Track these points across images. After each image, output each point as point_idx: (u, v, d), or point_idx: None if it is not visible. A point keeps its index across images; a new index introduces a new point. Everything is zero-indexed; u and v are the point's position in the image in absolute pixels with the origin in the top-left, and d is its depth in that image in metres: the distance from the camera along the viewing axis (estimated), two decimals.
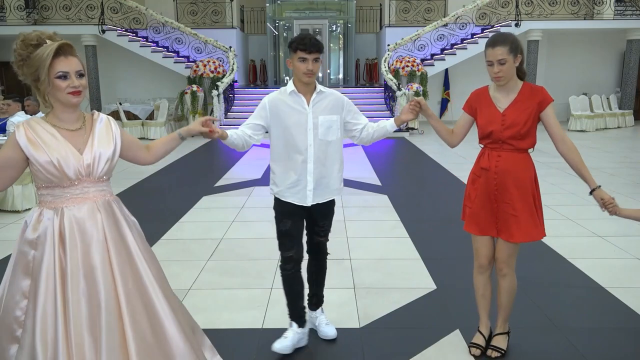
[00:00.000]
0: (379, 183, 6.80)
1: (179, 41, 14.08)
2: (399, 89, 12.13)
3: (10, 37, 13.27)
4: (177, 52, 14.06)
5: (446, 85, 15.27)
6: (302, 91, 2.52)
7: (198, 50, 13.97)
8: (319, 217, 2.64)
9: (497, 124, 2.39)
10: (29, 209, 5.57)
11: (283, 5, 18.39)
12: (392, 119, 2.64)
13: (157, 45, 13.83)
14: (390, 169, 8.52)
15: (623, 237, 4.40)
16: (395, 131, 3.23)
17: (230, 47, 13.59)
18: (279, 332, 2.87)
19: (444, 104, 15.48)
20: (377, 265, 3.87)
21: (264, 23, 17.53)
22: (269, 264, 3.89)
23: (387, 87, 13.09)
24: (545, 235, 2.49)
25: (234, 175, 7.61)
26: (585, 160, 2.43)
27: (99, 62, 13.60)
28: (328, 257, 2.82)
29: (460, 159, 8.89)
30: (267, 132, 2.61)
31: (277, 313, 3.11)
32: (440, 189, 6.62)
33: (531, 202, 2.42)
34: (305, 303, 2.76)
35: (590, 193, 2.30)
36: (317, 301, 2.83)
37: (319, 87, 2.55)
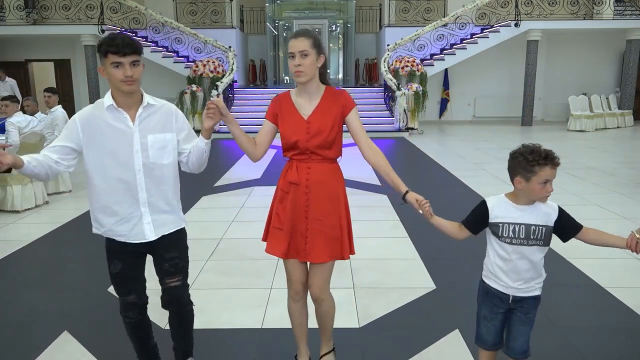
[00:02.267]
0: (378, 183, 6.81)
1: (178, 41, 14.08)
2: (399, 89, 12.12)
3: (10, 37, 13.24)
4: (177, 52, 14.06)
5: (446, 85, 15.29)
6: (124, 104, 2.06)
7: (198, 50, 13.97)
8: (164, 249, 2.19)
9: (302, 132, 2.17)
10: (29, 209, 5.57)
11: (283, 5, 18.39)
12: (201, 135, 2.19)
13: (157, 45, 13.83)
14: None
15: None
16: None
17: (230, 47, 13.59)
18: (278, 332, 2.88)
19: (444, 103, 15.50)
20: (376, 265, 3.87)
21: (263, 23, 17.53)
22: (268, 264, 3.89)
23: (386, 87, 13.09)
24: (352, 254, 2.31)
25: (233, 175, 7.61)
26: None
27: (99, 62, 13.57)
28: (194, 307, 2.38)
29: (459, 159, 8.89)
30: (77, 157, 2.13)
31: (276, 313, 3.11)
32: (440, 188, 6.62)
33: (343, 216, 2.25)
34: (155, 341, 2.41)
35: (403, 197, 2.14)
36: (183, 355, 2.42)
37: (147, 98, 2.11)
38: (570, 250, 4.07)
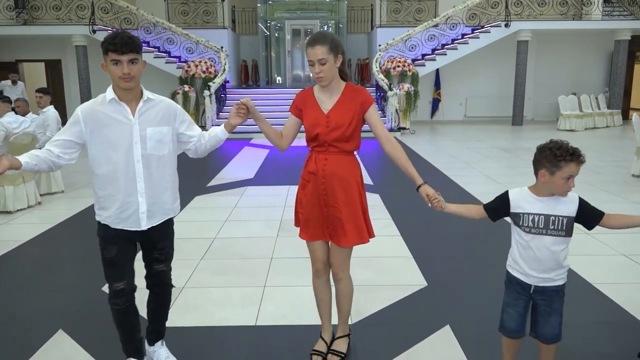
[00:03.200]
0: (370, 182, 6.86)
1: (170, 41, 14.06)
2: (391, 89, 12.19)
3: (0, 37, 13.12)
4: (169, 53, 14.04)
5: (437, 85, 15.38)
6: (125, 99, 2.18)
7: (189, 50, 13.96)
8: (157, 239, 2.33)
9: (322, 126, 2.33)
10: (21, 210, 5.56)
11: (274, 5, 18.41)
12: (222, 125, 2.41)
13: (148, 46, 13.80)
14: (382, 168, 8.57)
15: (610, 234, 4.48)
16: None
17: (222, 47, 13.60)
18: (272, 329, 2.92)
19: (435, 103, 15.59)
20: (368, 263, 3.91)
21: (255, 23, 17.54)
22: (262, 262, 3.93)
23: (378, 87, 13.15)
24: (372, 237, 2.46)
25: (226, 175, 7.62)
26: None
27: (90, 62, 13.54)
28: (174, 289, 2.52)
29: (451, 159, 8.97)
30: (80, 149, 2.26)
31: (270, 310, 3.15)
32: (431, 185, 6.68)
33: (357, 205, 2.39)
34: (143, 334, 2.48)
35: (417, 189, 2.31)
36: (156, 336, 2.52)
37: (147, 93, 2.24)
38: None
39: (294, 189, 6.29)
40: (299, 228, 2.51)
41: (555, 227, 2.01)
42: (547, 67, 15.55)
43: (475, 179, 7.19)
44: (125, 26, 13.99)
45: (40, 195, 6.04)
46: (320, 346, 2.59)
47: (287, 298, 3.35)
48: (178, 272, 3.74)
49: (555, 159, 1.95)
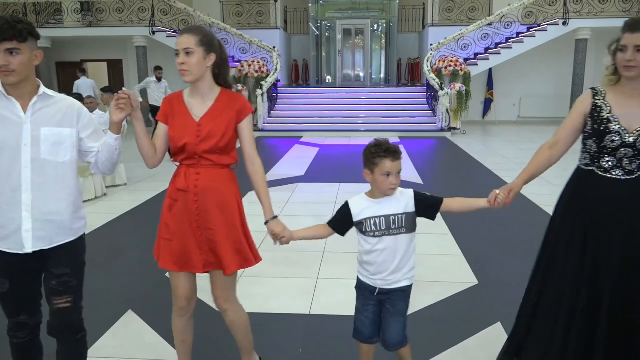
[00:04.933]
0: (420, 182, 6.88)
1: (224, 42, 14.43)
2: (442, 89, 12.09)
3: (68, 38, 13.91)
4: None
5: (490, 85, 15.09)
6: (15, 93, 1.80)
7: (243, 50, 14.33)
8: (53, 265, 1.88)
9: (192, 135, 2.02)
10: (89, 200, 5.94)
11: (326, 5, 18.57)
12: (109, 131, 1.96)
13: None
14: (432, 168, 8.55)
15: None
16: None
17: (274, 47, 13.88)
18: (326, 318, 3.04)
19: (487, 103, 15.30)
20: (418, 260, 3.92)
21: (306, 23, 17.77)
22: (315, 256, 4.06)
23: (429, 87, 13.07)
24: (258, 261, 2.22)
25: (277, 172, 7.83)
26: None
27: (149, 62, 14.15)
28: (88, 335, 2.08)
29: (502, 159, 8.83)
30: None
31: (323, 301, 3.28)
32: (481, 187, 6.60)
33: (238, 225, 2.13)
34: None
35: (265, 223, 2.14)
36: None
37: (43, 89, 1.85)
38: None
39: (345, 186, 6.47)
40: (158, 258, 2.14)
41: (397, 226, 2.02)
42: None
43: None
44: (182, 27, 14.52)
45: (106, 187, 6.43)
46: None
47: (340, 290, 3.46)
48: None
49: (372, 156, 1.98)
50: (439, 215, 2.20)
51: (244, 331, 2.32)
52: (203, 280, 2.28)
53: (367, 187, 2.11)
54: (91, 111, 6.67)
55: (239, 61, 13.89)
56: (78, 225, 1.95)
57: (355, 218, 2.06)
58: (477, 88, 14.46)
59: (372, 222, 2.02)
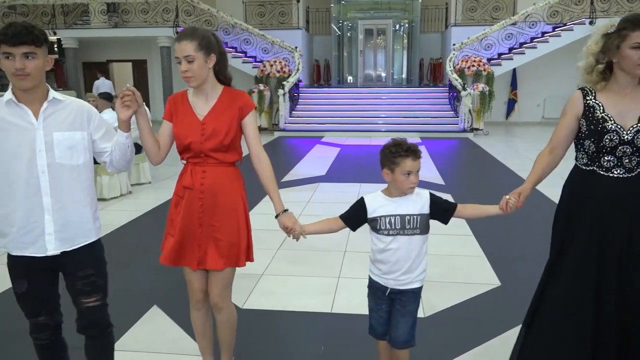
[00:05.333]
0: (442, 182, 6.84)
1: (247, 42, 14.59)
2: (464, 89, 11.99)
3: (95, 39, 14.19)
4: (245, 53, 14.58)
5: (514, 85, 14.90)
6: (26, 100, 1.83)
7: (265, 50, 14.42)
8: (76, 267, 1.95)
9: (197, 134, 2.07)
10: (115, 198, 6.07)
11: (348, 5, 18.57)
12: (119, 129, 2.00)
13: (227, 46, 14.39)
14: (454, 169, 8.49)
15: None
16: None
17: (296, 47, 13.94)
18: (347, 317, 3.06)
19: (511, 104, 15.11)
20: (441, 261, 3.96)
21: (328, 24, 17.80)
22: (336, 255, 4.08)
23: (451, 87, 12.96)
24: (251, 261, 2.25)
25: (299, 171, 7.88)
26: None
27: (173, 62, 14.35)
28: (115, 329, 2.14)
29: (526, 160, 8.71)
30: None
31: (345, 299, 3.29)
32: (504, 188, 6.51)
33: (243, 224, 2.17)
34: None
35: (276, 217, 2.15)
36: None
37: (53, 93, 1.88)
38: None
39: (365, 186, 6.48)
40: (162, 252, 2.21)
41: (412, 226, 2.03)
42: None
43: (551, 181, 6.95)
44: (206, 27, 14.68)
45: (131, 185, 6.55)
46: None
47: (361, 289, 3.45)
48: (257, 260, 3.98)
49: (392, 155, 1.99)
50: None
51: (232, 331, 2.36)
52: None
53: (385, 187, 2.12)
54: (100, 111, 6.79)
55: (261, 61, 13.98)
56: (97, 225, 2.02)
57: (370, 215, 2.07)
58: (501, 88, 14.29)
59: (387, 221, 2.04)
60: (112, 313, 2.10)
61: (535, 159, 2.25)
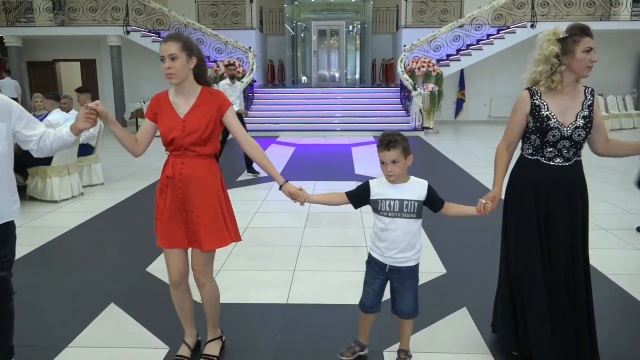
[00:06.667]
0: None
1: (200, 42, 14.44)
2: (415, 89, 12.36)
3: (39, 37, 13.77)
4: None
5: (461, 85, 15.46)
6: None
7: (218, 50, 14.36)
8: None
9: (178, 130, 2.31)
10: (66, 199, 5.96)
11: (301, 6, 18.72)
12: (69, 127, 2.26)
13: None
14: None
15: (626, 230, 4.65)
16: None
17: (250, 47, 13.96)
18: (303, 307, 3.19)
19: (459, 104, 15.67)
20: None
21: (282, 24, 17.88)
22: (291, 250, 4.20)
23: (402, 87, 13.33)
24: (236, 240, 2.50)
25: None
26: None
27: (124, 62, 14.07)
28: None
29: (473, 157, 9.12)
30: None
31: (300, 291, 3.42)
32: (453, 184, 6.87)
33: (217, 208, 2.39)
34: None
35: (280, 189, 2.46)
36: (5, 355, 2.34)
37: None
38: None
39: (320, 184, 6.63)
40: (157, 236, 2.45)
41: (408, 210, 2.32)
42: None
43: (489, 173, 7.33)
44: (157, 27, 14.48)
45: (82, 186, 6.44)
46: (183, 351, 2.60)
47: (316, 281, 3.61)
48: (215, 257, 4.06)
49: (378, 147, 2.35)
50: None
51: (216, 305, 2.61)
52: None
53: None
54: (67, 111, 6.68)
55: (215, 61, 13.91)
56: (14, 208, 2.22)
57: (373, 197, 2.36)
58: (450, 88, 14.80)
59: (387, 204, 2.33)
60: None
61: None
